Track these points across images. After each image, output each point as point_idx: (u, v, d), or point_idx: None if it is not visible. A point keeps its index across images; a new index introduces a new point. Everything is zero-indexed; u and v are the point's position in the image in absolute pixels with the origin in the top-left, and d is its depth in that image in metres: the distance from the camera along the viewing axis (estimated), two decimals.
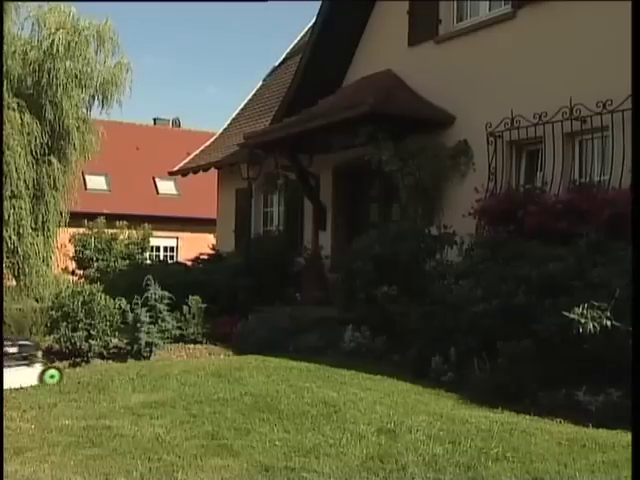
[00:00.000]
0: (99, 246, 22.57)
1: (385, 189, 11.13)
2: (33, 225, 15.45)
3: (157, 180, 30.28)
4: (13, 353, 7.49)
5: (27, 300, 11.64)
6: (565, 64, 8.45)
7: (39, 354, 7.76)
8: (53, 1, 15.81)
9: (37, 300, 11.17)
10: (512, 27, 9.27)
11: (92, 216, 23.04)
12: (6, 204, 14.03)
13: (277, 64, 17.05)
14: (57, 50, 14.88)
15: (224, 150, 15.74)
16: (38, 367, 7.51)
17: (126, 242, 23.40)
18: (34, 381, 7.33)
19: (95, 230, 22.90)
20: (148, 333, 8.84)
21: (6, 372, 7.04)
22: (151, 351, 8.89)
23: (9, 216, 14.24)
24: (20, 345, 7.69)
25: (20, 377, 7.21)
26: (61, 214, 16.13)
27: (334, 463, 4.48)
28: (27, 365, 7.50)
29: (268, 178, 13.04)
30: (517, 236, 7.74)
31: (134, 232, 24.06)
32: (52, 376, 7.44)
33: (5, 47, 14.03)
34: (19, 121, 14.41)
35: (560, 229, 7.37)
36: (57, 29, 15.14)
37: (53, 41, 14.92)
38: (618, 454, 4.62)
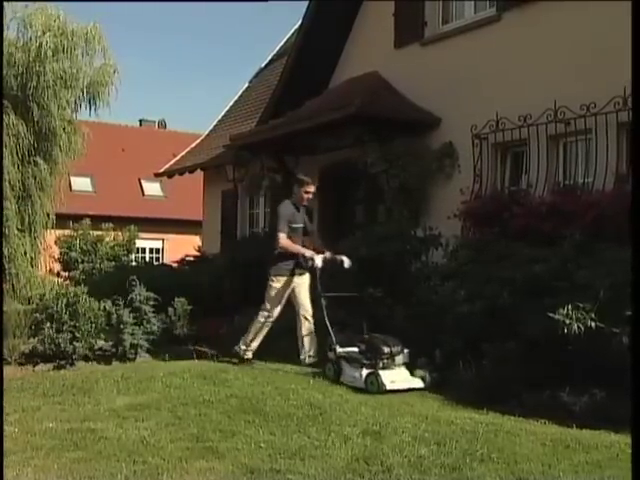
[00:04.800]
0: (84, 248, 22.49)
1: (371, 191, 11.14)
2: (19, 226, 15.38)
3: (143, 181, 30.22)
4: (363, 350, 7.00)
5: (11, 302, 11.57)
6: (549, 67, 8.50)
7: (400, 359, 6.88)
8: (45, 1, 15.76)
9: (21, 302, 11.09)
10: (497, 30, 9.31)
11: (77, 218, 22.95)
12: None
13: (263, 66, 17.07)
14: (45, 53, 14.82)
15: (210, 152, 15.73)
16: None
17: (112, 244, 23.33)
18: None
19: (80, 232, 22.81)
20: (133, 335, 8.80)
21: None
22: (136, 353, 8.84)
23: None
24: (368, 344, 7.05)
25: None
26: (47, 215, 16.07)
27: (319, 465, 4.48)
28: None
29: (253, 179, 13.04)
30: (502, 238, 7.77)
31: (119, 234, 23.98)
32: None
33: None
34: (5, 122, 14.35)
35: (545, 231, 7.41)
36: (44, 31, 15.08)
37: (41, 44, 14.85)
38: (601, 454, 4.65)
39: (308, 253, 7.97)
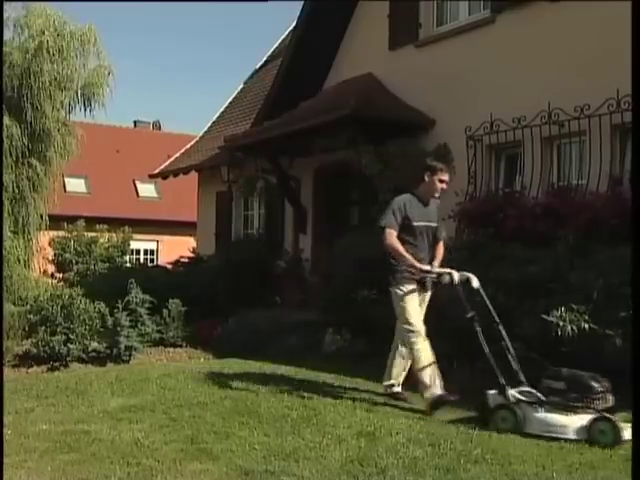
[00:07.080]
0: (79, 249, 22.43)
1: (366, 192, 11.14)
2: (13, 228, 15.30)
3: (137, 183, 30.14)
4: (561, 389, 5.24)
5: (5, 304, 11.54)
6: (543, 68, 8.52)
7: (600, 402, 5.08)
8: (44, 1, 15.73)
9: (14, 304, 11.04)
10: (491, 31, 9.32)
11: (72, 219, 22.89)
12: None
13: (258, 67, 17.06)
14: (42, 54, 14.78)
15: (205, 153, 15.71)
16: (586, 416, 5.02)
17: (106, 245, 23.27)
18: (573, 434, 5.00)
19: (75, 233, 22.75)
20: (128, 337, 8.79)
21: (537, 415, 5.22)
22: (130, 355, 8.84)
23: None
24: (570, 380, 5.23)
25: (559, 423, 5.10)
26: (41, 217, 16.01)
27: (314, 466, 4.47)
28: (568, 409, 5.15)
29: (247, 181, 13.03)
30: (496, 239, 7.78)
31: (114, 235, 23.93)
32: (602, 431, 4.88)
33: None
34: None
35: (539, 232, 7.42)
36: (43, 32, 15.04)
37: (40, 45, 14.82)
38: (595, 455, 4.65)
39: (430, 268, 6.18)
